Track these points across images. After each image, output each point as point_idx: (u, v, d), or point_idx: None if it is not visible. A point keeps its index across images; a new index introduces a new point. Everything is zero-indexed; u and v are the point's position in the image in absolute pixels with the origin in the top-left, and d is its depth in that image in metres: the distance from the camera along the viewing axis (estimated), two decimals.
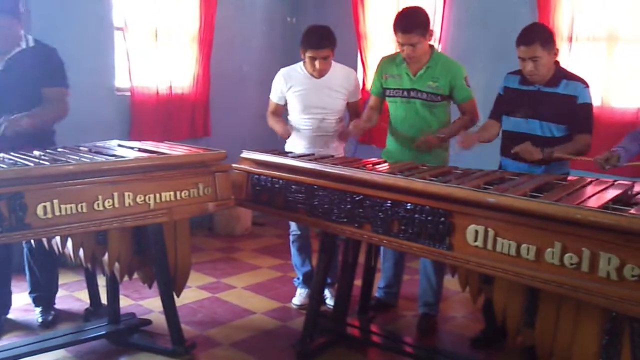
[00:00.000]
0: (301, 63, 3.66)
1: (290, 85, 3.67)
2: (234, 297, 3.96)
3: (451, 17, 5.01)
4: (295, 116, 3.73)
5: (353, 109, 3.76)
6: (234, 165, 3.28)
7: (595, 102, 4.17)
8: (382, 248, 3.50)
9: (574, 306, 2.18)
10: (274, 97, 3.77)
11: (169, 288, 3.06)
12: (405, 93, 3.41)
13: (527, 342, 2.38)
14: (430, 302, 3.56)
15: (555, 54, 3.02)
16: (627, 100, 4.13)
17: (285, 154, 3.30)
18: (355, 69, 5.32)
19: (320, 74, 3.60)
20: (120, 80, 4.90)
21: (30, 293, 3.58)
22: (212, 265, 4.58)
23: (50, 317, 3.49)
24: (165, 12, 4.96)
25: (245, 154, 3.29)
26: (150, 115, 4.96)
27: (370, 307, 3.58)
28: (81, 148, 3.12)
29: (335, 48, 3.57)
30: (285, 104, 3.75)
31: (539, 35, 2.93)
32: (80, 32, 4.53)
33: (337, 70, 3.67)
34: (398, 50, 3.39)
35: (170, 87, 5.10)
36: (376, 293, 3.79)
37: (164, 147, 3.23)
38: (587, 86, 3.01)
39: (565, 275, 2.02)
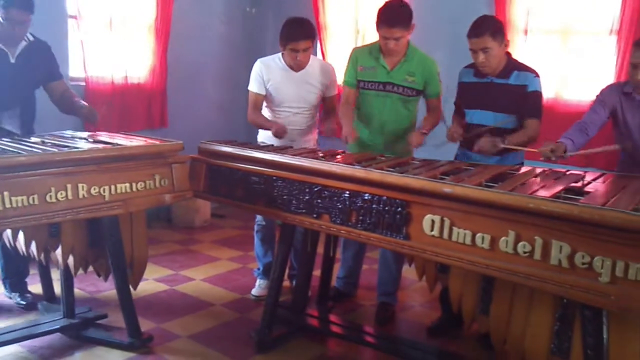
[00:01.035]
0: (279, 55, 3.62)
1: (269, 77, 3.61)
2: (192, 289, 3.92)
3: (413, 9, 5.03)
4: (270, 108, 3.70)
5: (329, 104, 3.73)
6: (192, 156, 3.24)
7: (550, 94, 4.29)
8: (342, 238, 3.50)
9: (527, 294, 2.23)
10: (255, 87, 3.65)
11: (125, 281, 3.02)
12: (381, 86, 3.39)
13: (482, 329, 2.43)
14: (389, 292, 3.59)
15: (506, 45, 3.07)
16: (580, 92, 4.22)
17: (243, 144, 3.27)
18: None
19: (300, 66, 3.56)
20: (75, 70, 4.78)
21: (4, 280, 3.58)
22: (171, 257, 4.53)
23: (30, 299, 3.53)
24: (120, 1, 4.85)
25: (203, 145, 3.26)
26: (105, 106, 4.84)
27: (329, 297, 3.60)
28: (32, 139, 3.04)
29: (315, 39, 3.54)
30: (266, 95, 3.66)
31: (488, 27, 2.97)
32: (32, 20, 4.40)
33: (314, 63, 3.64)
34: (373, 41, 3.40)
35: (126, 77, 5.01)
36: (335, 283, 3.81)
37: (119, 138, 3.18)
38: (537, 76, 3.07)
39: (518, 264, 2.06)
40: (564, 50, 4.28)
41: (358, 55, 3.48)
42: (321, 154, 3.01)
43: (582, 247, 1.92)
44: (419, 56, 3.38)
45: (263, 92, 3.64)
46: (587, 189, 2.29)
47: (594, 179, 2.46)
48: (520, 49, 4.37)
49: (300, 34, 3.43)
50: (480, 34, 2.96)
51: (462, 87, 3.27)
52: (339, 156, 3.02)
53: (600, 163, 3.94)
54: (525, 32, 4.40)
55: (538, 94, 3.07)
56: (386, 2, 3.28)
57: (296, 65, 3.54)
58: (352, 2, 5.31)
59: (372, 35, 5.12)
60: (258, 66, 3.65)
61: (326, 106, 3.74)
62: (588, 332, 2.02)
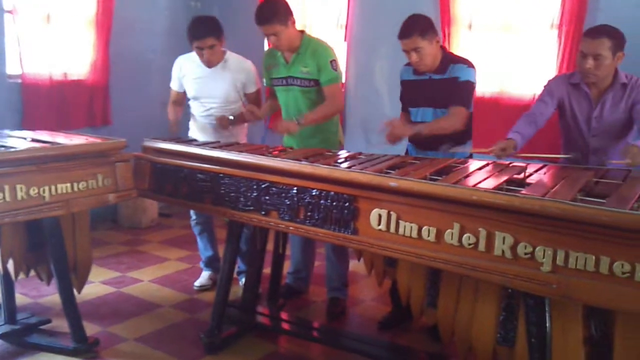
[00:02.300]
0: None
1: (185, 73, 3.70)
2: (139, 290, 3.84)
3: (356, 7, 5.06)
4: (191, 104, 3.76)
5: (252, 100, 3.73)
6: (135, 154, 3.17)
7: (494, 88, 4.37)
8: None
9: (473, 285, 2.27)
10: (174, 85, 3.80)
11: (68, 284, 2.94)
12: (284, 81, 3.44)
13: (430, 321, 2.46)
14: (337, 286, 3.60)
15: (438, 42, 3.10)
16: (523, 86, 4.29)
17: (189, 141, 3.22)
18: (261, 53, 5.29)
19: (210, 63, 3.59)
20: (11, 67, 4.62)
21: None
22: (117, 258, 4.43)
23: None
24: None
25: (148, 143, 3.20)
26: (44, 103, 4.71)
27: (280, 294, 3.58)
28: None
29: (221, 36, 3.55)
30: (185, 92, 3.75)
31: (416, 27, 2.99)
32: None
33: (230, 59, 3.65)
34: None
35: (65, 73, 4.87)
36: (286, 279, 3.80)
37: (60, 137, 3.09)
38: (471, 67, 3.09)
39: (463, 255, 2.08)
40: (507, 45, 4.35)
41: (265, 56, 3.56)
42: (268, 150, 2.98)
43: (524, 237, 1.95)
44: (313, 46, 3.38)
45: (181, 89, 3.75)
46: (528, 180, 2.33)
47: (536, 171, 2.51)
48: (464, 45, 4.44)
49: (203, 32, 3.47)
50: (409, 35, 2.98)
51: (403, 85, 3.31)
52: (286, 152, 3.00)
53: (542, 150, 4.02)
54: (469, 27, 4.46)
55: (469, 84, 3.07)
56: (259, 1, 3.32)
57: (205, 62, 3.57)
58: None
59: (318, 30, 5.13)
60: (176, 63, 3.75)
61: (249, 102, 3.72)
62: (531, 321, 2.05)
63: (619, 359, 1.96)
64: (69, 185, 2.75)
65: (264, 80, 3.62)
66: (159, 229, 5.25)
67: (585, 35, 2.87)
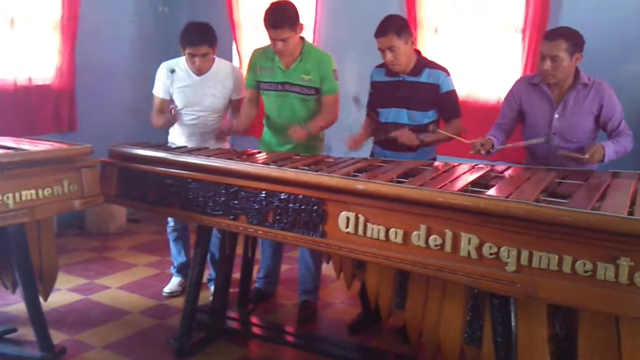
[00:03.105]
0: (184, 58, 3.57)
1: (173, 80, 3.59)
2: (107, 297, 3.79)
3: (323, 10, 5.08)
4: (179, 110, 3.66)
5: (235, 106, 3.70)
6: (102, 159, 3.14)
7: (461, 91, 4.41)
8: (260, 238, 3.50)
9: (440, 286, 2.29)
10: (159, 92, 3.65)
11: (34, 292, 2.89)
12: (280, 87, 3.39)
13: (399, 322, 2.48)
14: (309, 290, 3.61)
15: (413, 43, 3.15)
16: (489, 90, 4.35)
17: (156, 146, 3.20)
18: (231, 60, 5.29)
19: (200, 71, 3.53)
20: None
21: None
22: (84, 265, 4.36)
23: None
24: None
25: (114, 148, 3.17)
26: (8, 109, 4.62)
27: (250, 299, 3.58)
28: None
29: (215, 45, 3.50)
30: (171, 98, 3.64)
31: (393, 26, 3.04)
32: None
33: (219, 67, 3.61)
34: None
35: (30, 78, 4.78)
36: (256, 284, 3.80)
37: (24, 143, 3.03)
38: (448, 74, 3.17)
39: (430, 257, 2.11)
40: (472, 49, 4.41)
41: (256, 57, 3.48)
42: (236, 155, 2.98)
43: (489, 238, 1.98)
44: (314, 54, 3.38)
45: (167, 97, 3.63)
46: (493, 181, 2.37)
47: (501, 172, 2.55)
48: (430, 48, 4.49)
49: (198, 39, 3.40)
50: (386, 33, 3.02)
51: (374, 87, 3.33)
52: (254, 156, 3.00)
53: (510, 157, 4.09)
54: (435, 31, 4.51)
55: (453, 93, 3.17)
56: (271, 4, 3.29)
57: (196, 70, 3.52)
58: (267, 0, 5.30)
59: None
60: (162, 70, 3.63)
61: (233, 108, 3.71)
62: (497, 320, 2.09)
63: (583, 355, 2.00)
64: (33, 191, 2.70)
65: (248, 81, 3.53)
66: (128, 235, 5.19)
67: (543, 37, 2.95)
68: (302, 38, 3.39)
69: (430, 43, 4.52)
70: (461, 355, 2.32)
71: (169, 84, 3.59)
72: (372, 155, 3.35)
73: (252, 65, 3.49)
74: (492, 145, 2.93)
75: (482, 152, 2.89)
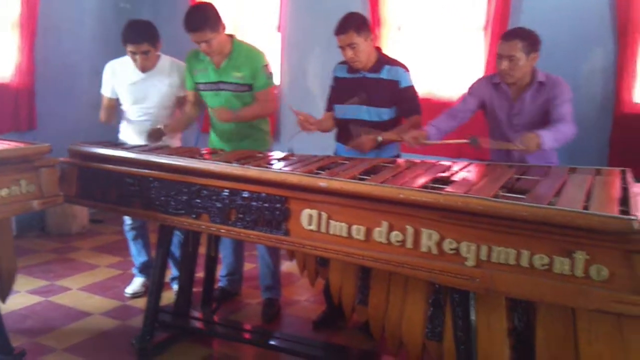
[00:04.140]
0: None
1: (118, 78, 3.61)
2: (68, 299, 3.73)
3: (288, 7, 5.08)
4: (127, 108, 3.67)
5: (184, 102, 3.68)
6: (62, 159, 3.08)
7: (423, 89, 4.45)
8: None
9: (402, 282, 2.31)
10: (106, 91, 3.69)
11: None
12: (214, 86, 3.41)
13: (362, 319, 2.49)
14: (270, 286, 3.61)
15: (372, 40, 3.17)
16: (452, 87, 4.40)
17: (117, 145, 3.15)
18: None
19: (144, 68, 3.54)
20: None
21: None
22: (45, 267, 4.28)
23: None
24: None
25: (74, 147, 3.11)
26: None
27: (214, 298, 3.55)
28: None
29: (157, 42, 3.49)
30: (118, 98, 3.66)
31: (352, 23, 3.06)
32: None
33: (165, 64, 3.60)
34: None
35: None
36: (219, 283, 3.78)
37: None
38: (407, 70, 3.19)
39: (392, 253, 2.12)
40: (436, 47, 4.46)
41: (190, 60, 3.50)
42: (198, 153, 2.96)
43: (449, 233, 2.00)
44: (245, 51, 3.39)
45: (114, 95, 3.66)
46: (453, 178, 2.39)
47: (461, 169, 2.58)
48: (394, 46, 4.52)
49: (138, 37, 3.40)
50: (345, 31, 3.04)
51: (336, 82, 3.35)
52: (216, 154, 2.98)
53: (472, 153, 4.14)
54: (399, 29, 4.54)
55: (412, 89, 3.18)
56: (190, 7, 3.31)
57: (139, 67, 3.51)
58: None
59: (248, 33, 5.13)
60: (107, 69, 3.65)
61: (180, 104, 3.69)
62: (457, 315, 2.11)
63: (541, 348, 2.04)
64: None
65: (187, 83, 3.54)
66: (90, 235, 5.11)
67: (500, 38, 3.00)
68: (230, 36, 3.39)
69: (394, 41, 4.55)
70: (423, 350, 2.34)
71: (115, 83, 3.61)
72: (335, 153, 3.36)
73: (188, 68, 3.50)
74: (426, 138, 2.92)
75: (416, 146, 2.90)
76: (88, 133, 4.24)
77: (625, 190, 2.17)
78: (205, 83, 3.42)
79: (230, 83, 3.36)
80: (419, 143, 2.90)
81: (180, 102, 3.68)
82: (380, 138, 3.07)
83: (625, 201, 1.99)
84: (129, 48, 3.43)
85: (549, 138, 2.66)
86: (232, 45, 3.36)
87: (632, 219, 1.71)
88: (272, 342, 3.11)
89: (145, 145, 3.26)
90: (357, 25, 3.06)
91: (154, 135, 3.47)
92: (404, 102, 3.17)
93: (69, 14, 5.38)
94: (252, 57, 3.36)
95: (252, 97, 3.41)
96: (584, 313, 1.92)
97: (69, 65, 5.39)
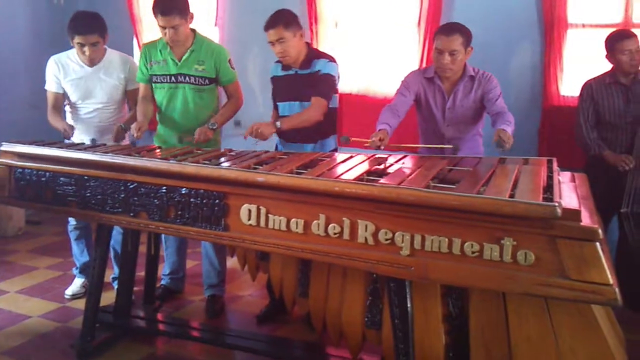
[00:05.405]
0: (74, 50, 3.50)
1: (64, 73, 3.52)
2: (5, 302, 3.64)
3: (226, 5, 5.06)
4: (72, 105, 3.60)
5: (132, 97, 3.64)
6: None
7: (360, 85, 4.52)
8: (163, 235, 3.47)
9: (341, 273, 2.37)
10: (51, 87, 3.58)
11: None
12: (173, 79, 3.38)
13: (303, 311, 2.53)
14: (214, 284, 3.60)
15: (302, 35, 3.19)
16: (388, 83, 4.45)
17: (50, 144, 3.09)
18: (132, 54, 5.15)
19: (91, 61, 3.48)
20: None
21: None
22: None
23: None
24: None
25: (6, 147, 3.04)
26: None
27: (156, 296, 3.53)
28: None
29: (105, 35, 3.46)
30: (65, 92, 3.57)
31: (281, 19, 3.09)
32: None
33: (112, 57, 3.56)
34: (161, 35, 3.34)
35: None
36: (162, 281, 3.75)
37: None
38: (333, 61, 3.21)
39: (330, 245, 2.15)
40: (372, 43, 4.52)
41: (146, 51, 3.46)
42: (135, 151, 2.93)
43: (385, 224, 2.05)
44: (207, 45, 3.40)
45: (60, 90, 3.56)
46: (388, 170, 2.45)
47: (396, 161, 2.64)
48: (331, 42, 4.56)
49: (87, 28, 3.36)
50: (274, 26, 3.07)
51: (273, 81, 3.38)
52: (154, 152, 2.96)
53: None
54: (336, 25, 4.59)
55: (329, 76, 3.18)
56: None
57: (87, 60, 3.46)
58: None
59: None
60: (51, 63, 3.56)
61: (129, 99, 3.66)
62: (394, 303, 2.17)
63: (475, 332, 2.12)
64: None
65: (139, 75, 3.49)
66: (27, 237, 4.98)
67: (439, 32, 3.05)
68: (193, 30, 3.39)
69: (331, 37, 4.60)
70: (363, 338, 2.40)
71: (61, 78, 3.53)
72: (276, 148, 3.39)
73: (142, 60, 3.45)
74: (387, 135, 2.94)
75: (382, 147, 2.90)
76: (25, 131, 4.11)
77: (550, 178, 2.26)
78: (163, 75, 3.38)
79: (191, 76, 3.34)
80: (384, 144, 2.87)
81: (130, 96, 3.62)
82: (278, 124, 3.11)
83: (549, 189, 2.08)
84: (77, 40, 3.36)
85: (510, 131, 2.73)
86: (195, 38, 3.36)
87: (555, 205, 1.79)
88: (216, 338, 3.12)
89: (81, 144, 3.21)
90: (286, 20, 3.09)
91: (119, 133, 3.44)
92: (316, 85, 3.14)
93: (1, 9, 5.21)
94: (215, 51, 3.38)
95: (212, 92, 3.43)
96: (513, 297, 2.01)
97: (2, 62, 5.22)
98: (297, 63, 3.19)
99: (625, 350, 2.12)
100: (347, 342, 2.45)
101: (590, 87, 3.47)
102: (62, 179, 2.81)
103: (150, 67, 3.42)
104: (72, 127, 3.44)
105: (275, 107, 3.39)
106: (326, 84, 3.16)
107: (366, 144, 2.88)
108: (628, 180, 3.18)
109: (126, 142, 3.65)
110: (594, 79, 3.49)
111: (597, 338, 1.92)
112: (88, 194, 2.75)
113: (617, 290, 1.75)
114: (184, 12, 3.22)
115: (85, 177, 2.75)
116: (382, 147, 2.90)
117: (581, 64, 3.94)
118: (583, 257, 1.78)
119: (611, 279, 1.75)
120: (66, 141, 3.49)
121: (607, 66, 3.46)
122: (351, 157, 2.71)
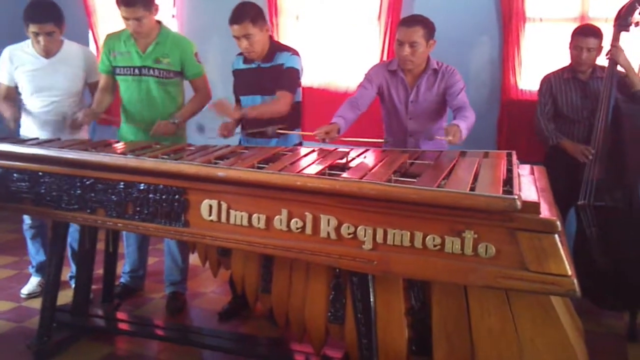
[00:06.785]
0: (29, 41, 3.39)
1: (18, 65, 3.41)
2: None
3: None
4: (27, 98, 3.47)
5: (93, 90, 3.55)
6: None
7: (322, 79, 4.50)
8: (124, 232, 3.40)
9: (304, 268, 2.35)
10: (3, 79, 3.48)
11: None
12: (137, 71, 3.31)
13: (265, 307, 2.51)
14: (176, 281, 3.55)
15: (267, 30, 3.16)
16: (350, 76, 4.43)
17: (2, 139, 2.99)
18: (87, 46, 5.03)
19: (47, 52, 3.37)
20: None
21: None
22: None
23: None
24: None
25: None
26: None
27: (115, 294, 3.46)
28: None
29: (62, 24, 3.36)
30: (17, 86, 3.47)
31: (248, 14, 3.04)
32: None
33: (70, 48, 3.47)
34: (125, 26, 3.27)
35: None
36: (121, 279, 3.68)
37: None
38: (295, 54, 3.18)
39: (292, 240, 2.13)
40: (333, 37, 4.50)
41: (110, 41, 3.38)
42: (92, 145, 2.86)
43: (347, 218, 2.04)
44: (172, 37, 3.35)
45: (12, 83, 3.47)
46: (350, 164, 2.44)
47: (358, 155, 2.63)
48: (292, 35, 4.53)
49: (43, 16, 3.26)
50: (241, 21, 3.02)
51: (235, 75, 3.34)
52: (111, 146, 2.90)
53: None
54: (297, 18, 4.56)
55: (293, 70, 3.15)
56: None
57: (43, 51, 3.36)
58: None
59: None
60: (4, 56, 3.45)
61: (90, 91, 3.58)
62: (357, 297, 2.17)
63: (437, 325, 2.13)
64: None
65: (100, 65, 3.42)
66: None
67: (401, 24, 3.05)
68: (159, 22, 3.33)
69: (292, 30, 4.56)
70: (326, 333, 2.39)
71: (14, 70, 3.42)
72: (239, 142, 3.34)
73: (105, 50, 3.38)
74: (338, 131, 2.89)
75: (327, 140, 2.85)
76: None
77: (510, 171, 2.29)
78: (127, 67, 3.31)
79: (155, 69, 3.29)
80: (331, 138, 2.83)
81: (91, 88, 3.54)
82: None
83: (509, 181, 2.10)
84: (32, 29, 3.26)
85: (464, 127, 2.72)
86: (160, 30, 3.30)
87: (515, 198, 1.81)
88: (177, 336, 3.08)
89: (35, 139, 3.11)
90: (253, 16, 3.03)
91: (73, 125, 3.36)
92: (280, 79, 3.12)
93: None
94: (181, 44, 3.32)
95: (176, 85, 3.38)
96: (475, 290, 2.02)
97: None
98: (260, 56, 3.15)
99: (584, 341, 2.16)
100: (310, 337, 2.44)
101: (549, 82, 3.52)
102: (14, 175, 2.73)
103: (114, 58, 3.34)
104: (16, 122, 3.36)
105: (238, 101, 3.35)
106: (291, 77, 3.13)
107: (315, 136, 2.85)
108: (585, 172, 3.24)
109: (84, 135, 3.56)
110: (553, 73, 3.54)
111: (556, 329, 1.95)
112: (43, 191, 2.67)
113: (575, 281, 1.77)
114: (149, 3, 3.15)
115: (40, 173, 2.67)
116: (328, 141, 2.86)
117: (539, 58, 3.99)
118: (542, 249, 1.80)
119: (570, 271, 1.78)
120: (21, 136, 3.41)
121: (565, 60, 3.51)
122: (313, 151, 2.70)
